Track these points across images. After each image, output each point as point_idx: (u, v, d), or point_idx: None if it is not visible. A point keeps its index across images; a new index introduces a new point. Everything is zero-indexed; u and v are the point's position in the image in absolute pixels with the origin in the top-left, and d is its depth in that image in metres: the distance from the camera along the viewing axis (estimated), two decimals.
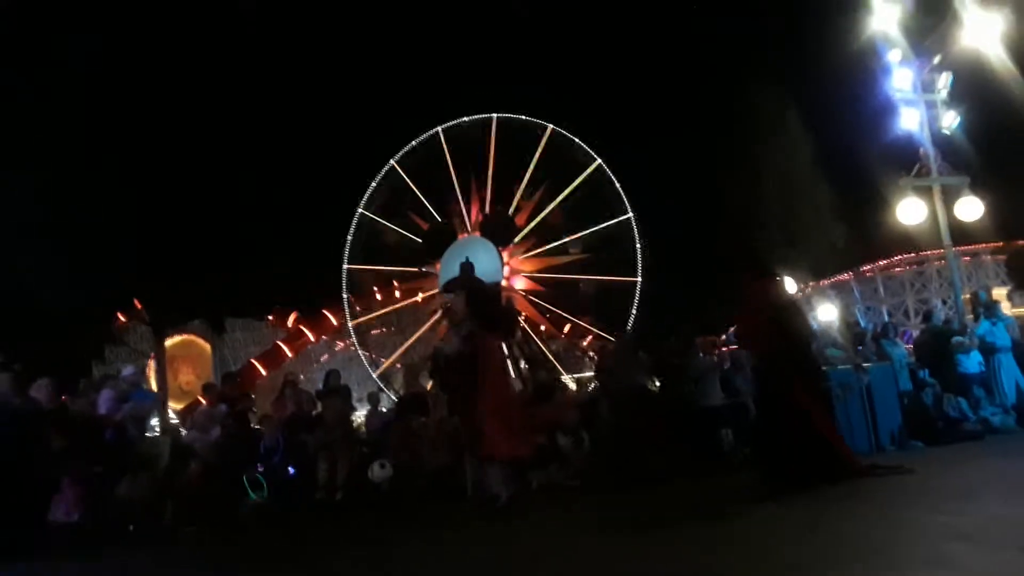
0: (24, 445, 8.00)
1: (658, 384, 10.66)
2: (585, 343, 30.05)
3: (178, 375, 33.96)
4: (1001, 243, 28.71)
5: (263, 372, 33.01)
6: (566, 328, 30.43)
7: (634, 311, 27.33)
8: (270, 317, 37.94)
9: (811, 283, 29.83)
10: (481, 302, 7.40)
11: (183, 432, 10.99)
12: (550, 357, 27.61)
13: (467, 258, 8.13)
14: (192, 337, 35.59)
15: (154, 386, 24.95)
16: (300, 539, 6.93)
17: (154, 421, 13.69)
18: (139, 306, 33.64)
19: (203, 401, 11.39)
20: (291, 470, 9.42)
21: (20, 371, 8.51)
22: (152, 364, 30.08)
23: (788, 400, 6.06)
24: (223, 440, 9.33)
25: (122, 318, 34.87)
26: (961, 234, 15.95)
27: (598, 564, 3.94)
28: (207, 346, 35.84)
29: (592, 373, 19.07)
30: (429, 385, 10.71)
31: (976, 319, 11.64)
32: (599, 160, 28.53)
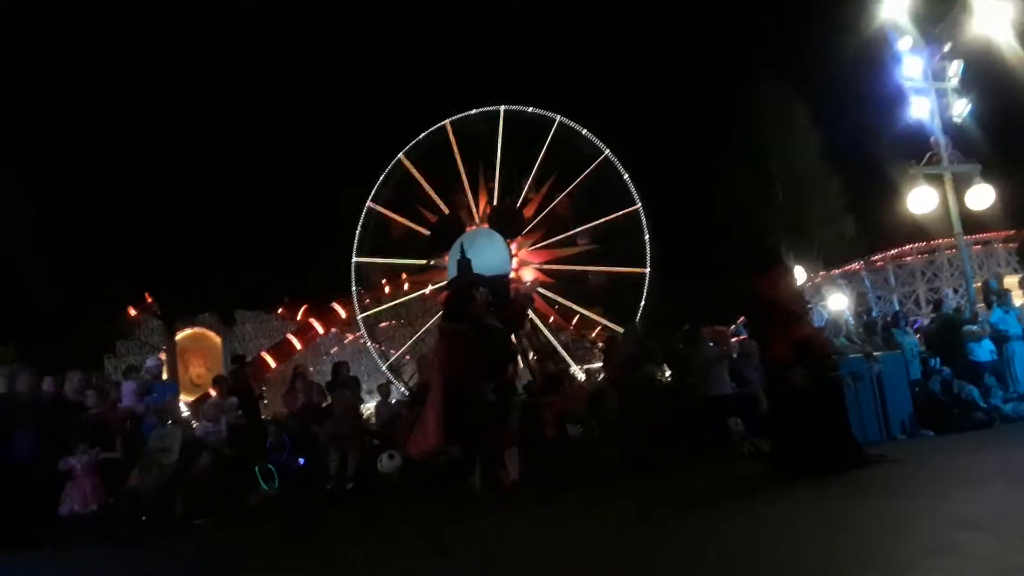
0: (46, 438, 8.12)
1: (667, 374, 10.66)
2: (594, 334, 30.01)
3: (189, 368, 34.12)
4: (1012, 231, 28.48)
5: (272, 364, 33.15)
6: (575, 319, 30.40)
7: (643, 302, 27.28)
8: (280, 310, 38.08)
9: (822, 272, 29.68)
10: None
11: (194, 424, 11.06)
12: (559, 348, 27.59)
13: (463, 254, 8.17)
14: (202, 330, 35.73)
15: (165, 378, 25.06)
16: (310, 530, 6.97)
17: None
18: (150, 300, 33.86)
19: (213, 393, 11.44)
20: (301, 461, 9.47)
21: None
22: (163, 357, 30.23)
23: (800, 389, 6.02)
24: (233, 431, 9.39)
25: (133, 312, 35.07)
26: (972, 222, 15.85)
27: (604, 554, 3.95)
28: (217, 339, 35.98)
29: (600, 364, 19.04)
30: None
31: (988, 307, 11.57)
32: (607, 151, 28.43)
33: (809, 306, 8.89)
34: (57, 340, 22.17)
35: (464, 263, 7.94)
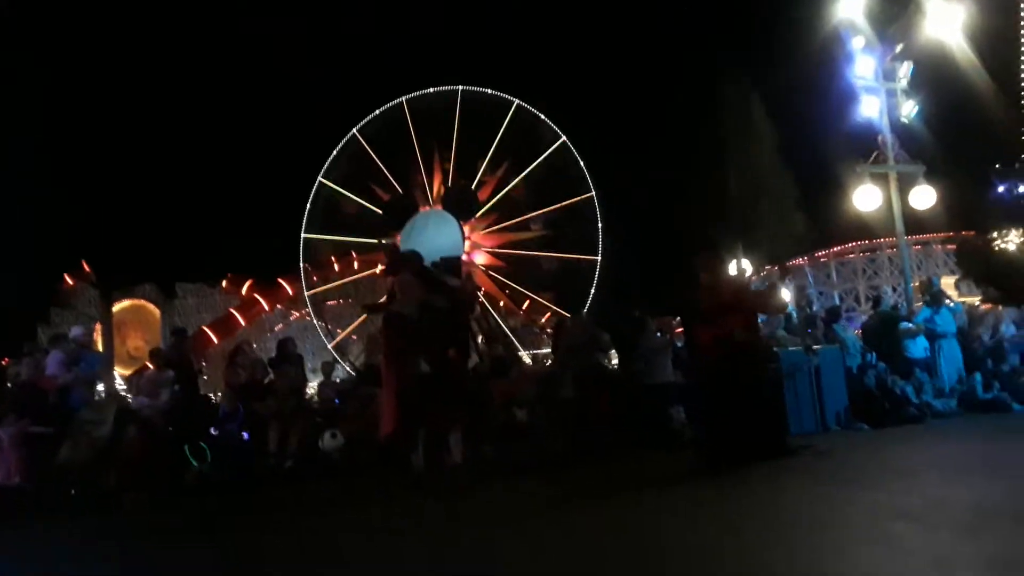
0: None
1: (615, 362, 10.72)
2: (543, 319, 30.12)
3: (126, 340, 33.20)
4: (951, 232, 29.50)
5: (215, 340, 32.45)
6: (525, 304, 30.46)
7: (593, 289, 27.45)
8: (224, 284, 37.24)
9: (767, 266, 30.26)
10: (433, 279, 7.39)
11: (129, 398, 10.72)
12: (508, 332, 27.62)
13: (413, 251, 8.09)
14: (141, 302, 34.77)
15: (100, 350, 24.32)
16: (244, 507, 6.83)
17: (100, 386, 13.38)
18: (87, 268, 32.80)
19: (150, 367, 11.11)
20: (245, 435, 9.27)
21: None
22: (98, 327, 29.34)
23: (738, 377, 6.11)
24: (170, 406, 9.12)
25: (69, 280, 33.93)
26: (914, 223, 16.30)
27: (542, 536, 3.93)
28: (157, 312, 35.06)
29: (548, 349, 19.11)
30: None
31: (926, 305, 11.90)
32: (563, 137, 28.46)
33: (756, 296, 9.01)
34: None
35: (410, 255, 7.87)
